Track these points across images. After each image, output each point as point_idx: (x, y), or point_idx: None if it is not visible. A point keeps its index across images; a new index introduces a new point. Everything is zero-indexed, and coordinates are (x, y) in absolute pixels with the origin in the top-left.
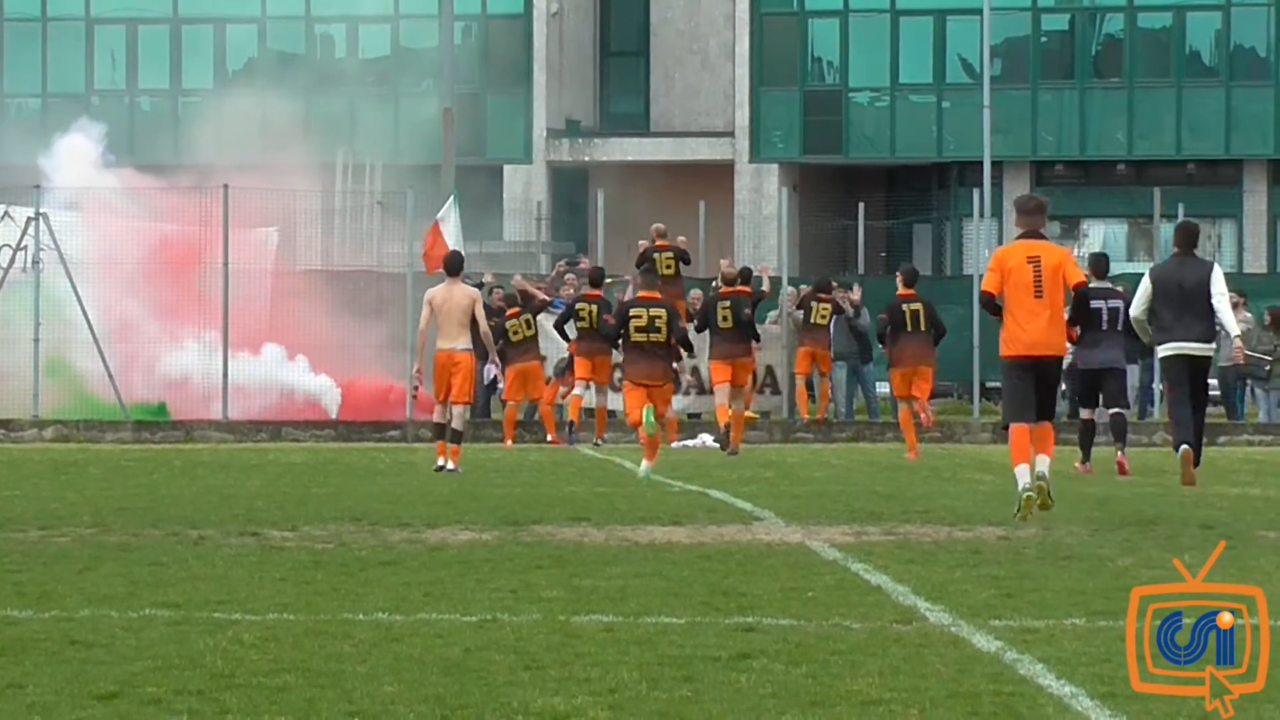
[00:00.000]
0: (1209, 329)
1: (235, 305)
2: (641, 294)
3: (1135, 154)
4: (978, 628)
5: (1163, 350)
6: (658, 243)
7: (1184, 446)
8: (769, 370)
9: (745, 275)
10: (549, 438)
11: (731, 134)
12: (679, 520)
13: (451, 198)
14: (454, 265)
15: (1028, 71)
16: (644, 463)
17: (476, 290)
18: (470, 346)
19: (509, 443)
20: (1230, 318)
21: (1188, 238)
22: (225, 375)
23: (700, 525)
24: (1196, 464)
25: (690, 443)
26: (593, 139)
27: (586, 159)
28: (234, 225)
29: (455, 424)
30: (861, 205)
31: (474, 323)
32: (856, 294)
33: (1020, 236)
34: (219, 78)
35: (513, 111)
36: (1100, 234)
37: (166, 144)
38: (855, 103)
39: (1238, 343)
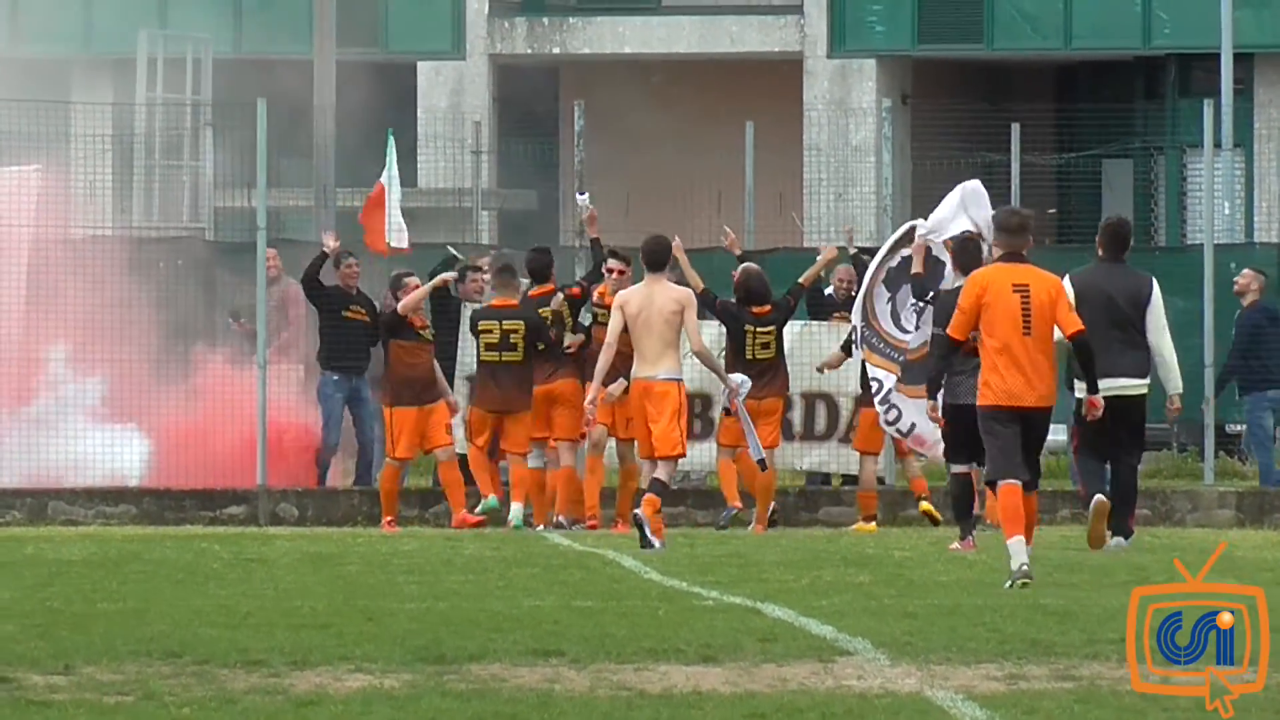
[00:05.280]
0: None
1: None
2: (495, 301)
3: None
4: None
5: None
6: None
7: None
8: None
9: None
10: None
11: (799, 9)
12: (712, 654)
13: (389, 144)
14: (658, 255)
15: None
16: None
17: (688, 292)
18: (679, 374)
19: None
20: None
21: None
22: None
23: (748, 663)
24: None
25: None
26: (566, 20)
27: (556, 52)
28: None
29: (660, 473)
30: (1016, 129)
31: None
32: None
33: (1000, 259)
34: None
35: None
36: None
37: None
38: None
39: (1176, 401)
